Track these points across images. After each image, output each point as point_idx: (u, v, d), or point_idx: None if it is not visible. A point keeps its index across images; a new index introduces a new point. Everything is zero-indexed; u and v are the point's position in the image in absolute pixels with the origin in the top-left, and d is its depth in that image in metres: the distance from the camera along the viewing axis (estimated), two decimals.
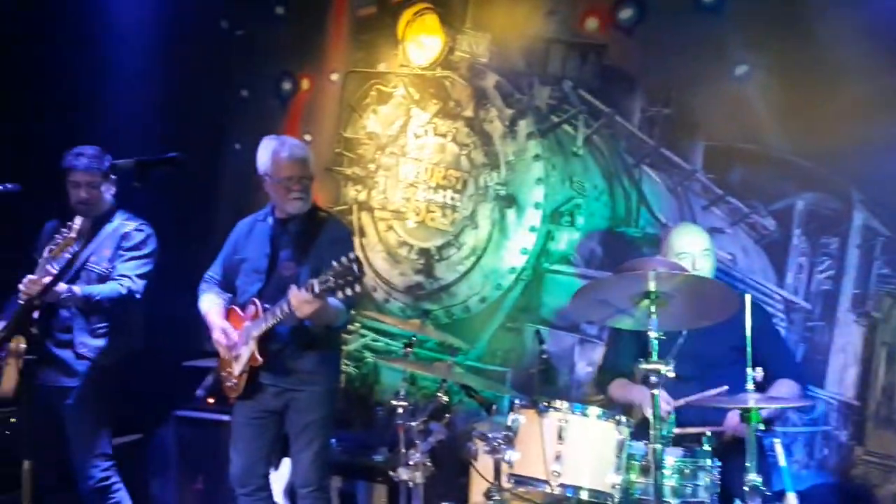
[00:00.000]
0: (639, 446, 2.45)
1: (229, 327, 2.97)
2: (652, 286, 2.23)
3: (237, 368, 2.96)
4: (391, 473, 2.90)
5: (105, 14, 4.37)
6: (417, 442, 2.71)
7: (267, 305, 2.89)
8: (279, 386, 2.96)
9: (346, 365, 4.51)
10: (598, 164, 4.00)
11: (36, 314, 3.02)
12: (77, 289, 3.10)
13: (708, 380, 2.68)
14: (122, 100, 4.35)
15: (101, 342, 3.24)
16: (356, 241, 4.62)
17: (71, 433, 3.21)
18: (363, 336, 4.58)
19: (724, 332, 2.64)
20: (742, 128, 3.64)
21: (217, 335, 2.97)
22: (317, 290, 2.58)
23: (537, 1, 4.09)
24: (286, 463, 3.34)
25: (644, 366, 2.15)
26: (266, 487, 3.13)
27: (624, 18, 3.88)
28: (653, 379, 2.14)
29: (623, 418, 2.43)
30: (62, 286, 3.00)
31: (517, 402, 2.48)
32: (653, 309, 2.23)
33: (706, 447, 2.44)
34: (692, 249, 2.91)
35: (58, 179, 3.28)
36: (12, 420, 3.63)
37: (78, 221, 3.04)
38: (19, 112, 4.02)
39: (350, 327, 4.51)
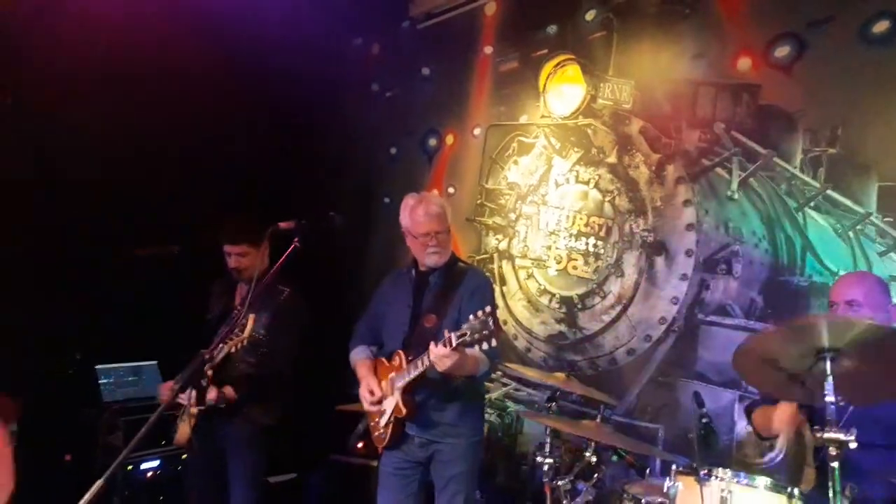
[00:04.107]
0: None
1: (375, 383, 3.04)
2: (825, 341, 2.00)
3: (383, 419, 3.04)
4: None
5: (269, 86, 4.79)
6: (565, 502, 2.61)
7: (410, 357, 2.95)
8: (424, 437, 2.99)
9: (489, 414, 4.48)
10: (756, 209, 3.76)
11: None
12: (229, 392, 3.24)
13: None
14: (284, 160, 4.74)
15: (262, 405, 3.39)
16: (497, 289, 4.64)
17: (230, 479, 3.38)
18: (505, 385, 4.54)
19: None
20: None
21: (363, 391, 3.06)
22: (454, 344, 2.61)
23: (683, 45, 3.99)
24: None
25: (822, 435, 1.92)
26: None
27: (780, 56, 3.68)
28: (832, 451, 1.90)
29: (796, 491, 2.19)
30: (213, 395, 3.16)
31: (674, 466, 2.32)
32: (828, 369, 2.01)
33: None
34: (854, 296, 2.61)
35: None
36: (184, 457, 3.96)
37: (250, 321, 3.09)
38: (188, 176, 4.44)
39: (492, 376, 4.50)
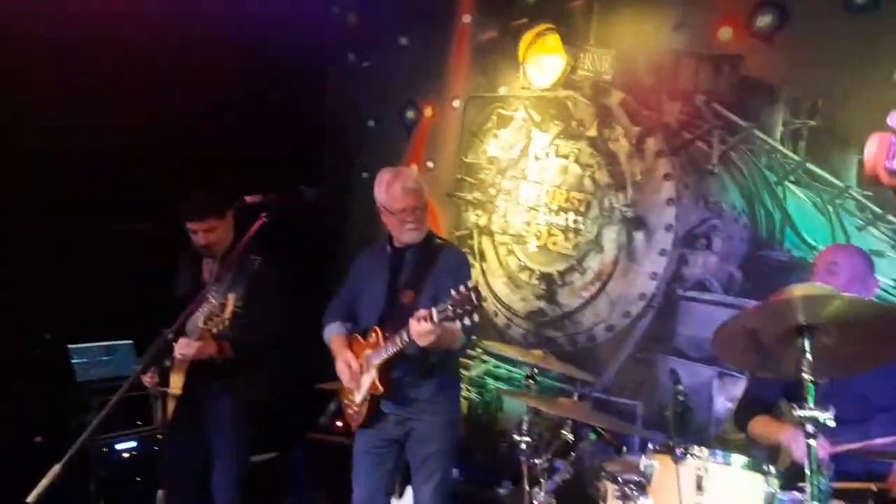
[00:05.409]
0: (790, 497, 2.19)
1: (352, 358, 3.00)
2: (801, 318, 1.97)
3: (359, 397, 2.99)
4: None
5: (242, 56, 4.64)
6: (542, 480, 2.60)
7: (387, 334, 2.90)
8: (399, 414, 2.96)
9: (468, 391, 4.47)
10: (735, 183, 3.72)
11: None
12: (227, 347, 3.16)
13: (873, 425, 2.37)
14: (258, 132, 4.61)
15: (248, 378, 3.30)
16: (476, 265, 4.60)
17: (215, 463, 3.31)
18: (485, 362, 4.52)
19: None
20: None
21: (340, 366, 3.01)
22: (436, 318, 2.56)
23: (664, 14, 3.90)
24: (410, 491, 3.32)
25: (798, 412, 1.90)
26: None
27: (762, 26, 3.60)
28: (809, 428, 1.88)
29: (772, 469, 2.18)
30: (214, 347, 3.10)
31: (650, 445, 2.30)
32: (806, 346, 1.98)
33: None
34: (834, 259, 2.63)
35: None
36: (159, 436, 3.90)
37: (230, 300, 3.02)
38: (160, 149, 4.29)
39: (471, 353, 4.47)
